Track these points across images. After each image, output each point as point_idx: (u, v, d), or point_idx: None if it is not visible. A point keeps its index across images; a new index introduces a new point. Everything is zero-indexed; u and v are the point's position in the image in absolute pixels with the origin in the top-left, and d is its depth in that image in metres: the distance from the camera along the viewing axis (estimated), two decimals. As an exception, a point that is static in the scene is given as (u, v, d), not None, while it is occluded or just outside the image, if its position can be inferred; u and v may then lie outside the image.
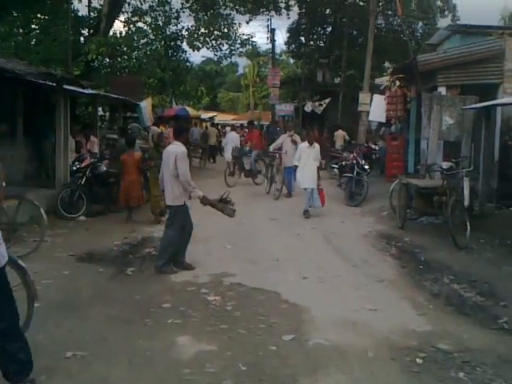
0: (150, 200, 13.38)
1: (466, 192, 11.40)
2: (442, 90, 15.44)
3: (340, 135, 26.25)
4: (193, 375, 5.32)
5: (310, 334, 6.40)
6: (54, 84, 13.96)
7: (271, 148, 18.46)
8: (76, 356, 5.65)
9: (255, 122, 40.87)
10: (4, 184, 5.19)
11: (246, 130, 27.91)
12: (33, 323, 5.65)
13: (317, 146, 14.86)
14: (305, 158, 14.53)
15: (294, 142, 17.33)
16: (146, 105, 22.10)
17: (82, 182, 13.38)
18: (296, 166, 15.04)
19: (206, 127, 32.25)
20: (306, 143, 14.91)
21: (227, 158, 21.88)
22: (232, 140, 22.95)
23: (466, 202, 11.28)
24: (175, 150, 8.93)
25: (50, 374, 5.26)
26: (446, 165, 12.60)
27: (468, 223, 10.77)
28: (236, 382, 5.22)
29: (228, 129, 35.83)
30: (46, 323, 6.36)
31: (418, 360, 5.71)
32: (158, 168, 11.90)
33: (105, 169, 14.13)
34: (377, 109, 22.53)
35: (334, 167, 20.72)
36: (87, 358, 5.64)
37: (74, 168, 14.10)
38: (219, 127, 42.02)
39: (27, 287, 5.54)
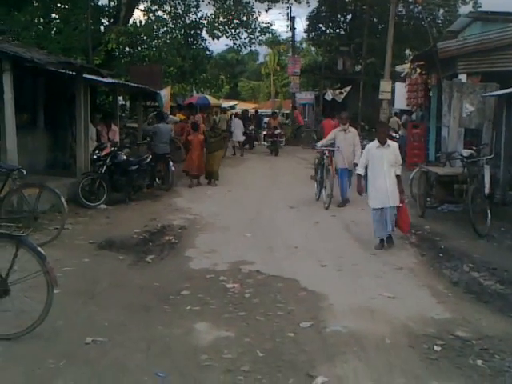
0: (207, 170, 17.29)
1: (487, 180, 11.30)
2: (463, 78, 15.33)
3: (394, 122, 26.27)
4: (210, 361, 5.35)
5: (328, 321, 6.40)
6: (74, 73, 14.03)
7: (319, 144, 14.81)
8: (95, 342, 5.70)
9: (276, 111, 41.03)
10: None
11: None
12: (52, 310, 5.70)
13: (393, 144, 10.18)
14: (376, 163, 10.01)
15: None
16: (165, 93, 22.17)
17: (103, 171, 13.50)
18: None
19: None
20: (375, 142, 10.17)
21: (234, 142, 27.17)
22: (237, 126, 27.16)
23: (487, 190, 11.19)
24: None
25: (68, 359, 5.32)
26: (466, 152, 12.51)
27: (489, 211, 10.71)
28: (253, 368, 5.24)
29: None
30: (66, 310, 6.42)
31: (436, 347, 5.69)
32: (215, 146, 17.57)
33: (125, 157, 14.22)
34: (400, 97, 22.49)
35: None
36: (106, 344, 5.69)
37: (95, 157, 14.15)
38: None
39: (46, 274, 5.60)
